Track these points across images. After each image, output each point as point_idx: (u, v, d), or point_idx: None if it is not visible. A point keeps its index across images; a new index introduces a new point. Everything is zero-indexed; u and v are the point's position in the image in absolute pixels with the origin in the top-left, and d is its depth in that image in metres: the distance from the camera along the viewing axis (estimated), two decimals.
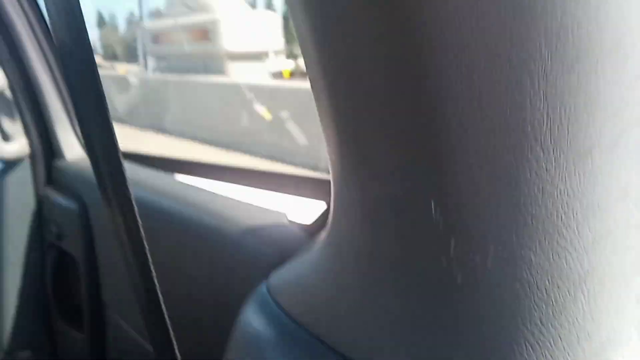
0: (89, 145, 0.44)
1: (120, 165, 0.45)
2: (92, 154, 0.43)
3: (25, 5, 1.13)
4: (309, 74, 0.41)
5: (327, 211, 0.70)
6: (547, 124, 0.29)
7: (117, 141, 0.45)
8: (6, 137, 1.24)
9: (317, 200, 0.80)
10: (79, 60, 0.40)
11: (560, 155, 0.30)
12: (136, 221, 0.46)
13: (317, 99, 0.41)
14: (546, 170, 0.30)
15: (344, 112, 0.38)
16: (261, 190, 0.86)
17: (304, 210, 0.82)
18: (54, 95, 1.20)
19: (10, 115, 1.23)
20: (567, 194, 0.31)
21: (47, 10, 0.40)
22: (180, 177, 1.00)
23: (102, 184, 0.44)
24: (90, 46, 0.41)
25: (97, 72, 0.42)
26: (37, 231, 1.30)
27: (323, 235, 0.56)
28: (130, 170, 1.07)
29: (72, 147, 1.25)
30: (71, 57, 0.40)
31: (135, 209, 0.46)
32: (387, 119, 0.35)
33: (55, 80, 1.19)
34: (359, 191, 0.42)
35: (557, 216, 0.31)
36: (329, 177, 0.47)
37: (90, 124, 0.43)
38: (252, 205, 0.84)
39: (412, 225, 0.38)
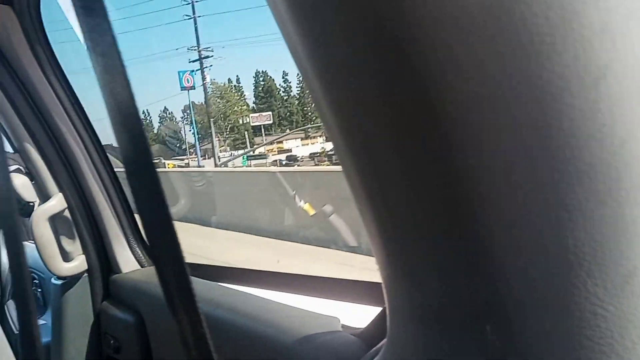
0: (154, 256, 0.46)
1: (187, 277, 0.46)
2: (158, 265, 0.44)
3: (84, 136, 1.24)
4: (346, 177, 0.43)
5: (381, 316, 0.71)
6: None
7: (182, 251, 0.46)
8: (66, 257, 1.31)
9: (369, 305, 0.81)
10: (142, 172, 0.42)
11: None
12: (203, 329, 0.47)
13: (355, 196, 0.43)
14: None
15: (386, 213, 0.40)
16: (312, 297, 0.88)
17: (355, 312, 0.83)
18: (109, 214, 1.28)
19: (70, 236, 1.31)
20: None
21: (115, 132, 0.42)
22: (231, 286, 1.04)
23: (167, 293, 0.45)
24: (152, 157, 0.43)
25: (161, 185, 0.44)
26: (96, 345, 1.34)
27: (382, 342, 0.57)
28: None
29: (128, 262, 1.31)
30: (136, 169, 0.42)
31: (203, 323, 0.47)
32: (431, 220, 0.37)
33: (111, 201, 1.28)
34: (412, 296, 0.44)
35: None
36: (379, 280, 0.48)
37: (155, 233, 0.44)
38: (304, 311, 0.86)
39: (466, 343, 0.39)
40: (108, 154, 1.30)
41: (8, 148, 1.29)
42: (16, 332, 1.64)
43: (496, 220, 0.33)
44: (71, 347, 1.34)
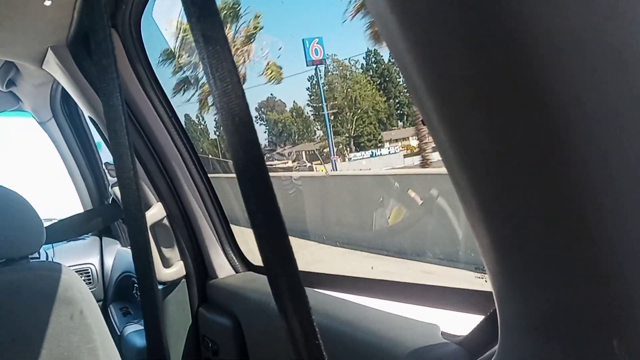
0: (268, 262, 0.47)
1: (299, 282, 0.47)
2: (271, 271, 0.45)
3: (182, 148, 1.30)
4: (452, 180, 0.42)
5: (484, 324, 0.69)
6: None
7: (294, 257, 0.47)
8: (166, 264, 1.38)
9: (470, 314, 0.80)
10: (257, 186, 0.43)
11: None
12: (313, 326, 0.47)
13: (465, 207, 0.43)
14: None
15: (500, 218, 0.39)
16: (411, 304, 0.88)
17: (454, 321, 0.82)
18: (205, 222, 1.34)
19: (169, 243, 1.39)
20: None
21: (230, 144, 0.43)
22: (329, 292, 1.05)
23: (280, 302, 0.46)
24: (266, 170, 0.43)
25: (274, 194, 0.44)
26: (194, 347, 1.40)
27: (490, 351, 0.56)
28: None
29: (223, 268, 1.36)
30: (251, 184, 0.43)
31: (316, 325, 0.47)
32: (549, 224, 0.36)
33: (207, 209, 1.34)
34: (526, 305, 0.42)
35: None
36: (484, 288, 0.47)
37: (267, 240, 0.45)
38: (403, 318, 0.85)
39: (587, 357, 0.37)
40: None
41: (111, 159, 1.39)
42: (119, 333, 1.75)
43: (619, 230, 0.31)
44: (172, 349, 1.41)
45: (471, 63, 0.32)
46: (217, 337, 1.31)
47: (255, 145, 0.43)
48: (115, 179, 1.43)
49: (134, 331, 1.72)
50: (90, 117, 1.33)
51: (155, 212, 1.34)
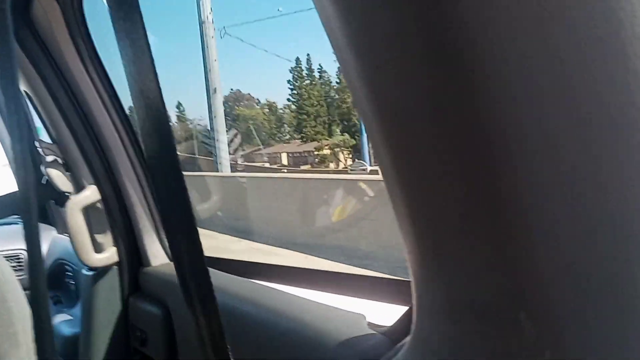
0: (174, 251, 0.46)
1: (206, 272, 0.46)
2: (177, 260, 0.44)
3: (121, 129, 1.26)
4: (383, 175, 0.43)
5: (408, 313, 0.69)
6: None
7: (201, 247, 0.46)
8: (98, 249, 1.33)
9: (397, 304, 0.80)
10: (167, 173, 0.42)
11: None
12: (220, 326, 0.47)
13: (393, 200, 0.43)
14: None
15: (422, 212, 0.40)
16: (339, 295, 0.87)
17: (381, 311, 0.82)
18: (141, 208, 1.30)
19: (102, 227, 1.34)
20: None
21: (141, 130, 0.43)
22: (258, 282, 1.03)
23: (186, 289, 0.45)
24: (178, 160, 0.43)
25: (184, 182, 0.43)
26: (123, 336, 1.35)
27: (407, 339, 0.56)
28: (212, 275, 1.11)
29: (157, 256, 1.32)
30: (160, 170, 0.42)
31: (219, 316, 0.47)
32: (469, 219, 0.37)
33: (144, 194, 1.29)
34: (443, 293, 0.43)
35: None
36: (409, 278, 0.47)
37: (175, 230, 0.44)
38: (330, 307, 0.85)
39: (499, 333, 0.37)
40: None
41: (47, 139, 1.33)
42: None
43: (537, 206, 0.32)
44: (99, 338, 1.36)
45: (399, 58, 0.33)
46: (146, 327, 1.26)
47: (167, 125, 0.42)
48: (50, 158, 1.37)
49: (63, 321, 1.65)
50: (25, 91, 1.27)
51: (89, 195, 1.29)
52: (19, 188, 0.57)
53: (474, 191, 0.34)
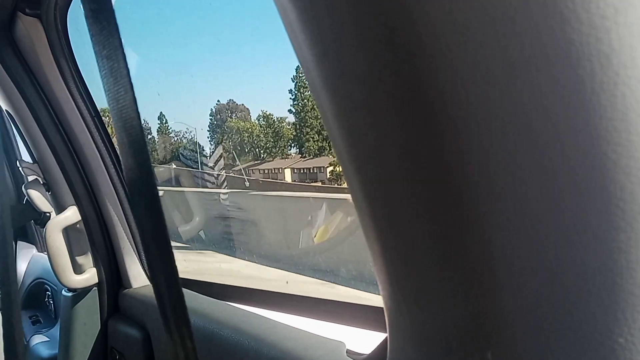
0: (152, 272, 0.45)
1: (180, 294, 0.46)
2: (155, 281, 0.44)
3: (102, 149, 1.25)
4: (355, 208, 0.43)
5: (385, 341, 0.69)
6: None
7: (176, 270, 0.46)
8: (77, 270, 1.31)
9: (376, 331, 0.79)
10: (145, 195, 0.42)
11: None
12: (194, 349, 0.46)
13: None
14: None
15: (393, 247, 0.40)
16: (318, 320, 0.87)
17: (362, 337, 0.81)
18: (122, 229, 1.28)
19: (83, 248, 1.32)
20: None
21: (120, 153, 0.42)
22: (239, 306, 1.02)
23: (163, 311, 0.45)
24: (155, 183, 0.42)
25: (160, 206, 0.43)
26: (101, 359, 1.33)
27: None
28: (190, 298, 1.11)
29: (138, 278, 1.31)
30: (138, 192, 0.42)
31: (193, 338, 0.46)
32: (437, 259, 0.36)
33: (125, 215, 1.28)
34: (414, 326, 0.43)
35: None
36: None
37: (153, 253, 0.44)
38: (310, 334, 0.84)
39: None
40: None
41: (28, 158, 1.31)
42: (25, 343, 1.64)
43: (504, 244, 0.32)
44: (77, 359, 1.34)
45: (359, 60, 0.32)
46: (125, 349, 1.24)
47: (140, 129, 0.42)
48: (31, 178, 1.36)
49: (41, 342, 1.62)
50: (7, 110, 1.25)
51: (70, 215, 1.28)
52: None
53: (441, 230, 0.34)
